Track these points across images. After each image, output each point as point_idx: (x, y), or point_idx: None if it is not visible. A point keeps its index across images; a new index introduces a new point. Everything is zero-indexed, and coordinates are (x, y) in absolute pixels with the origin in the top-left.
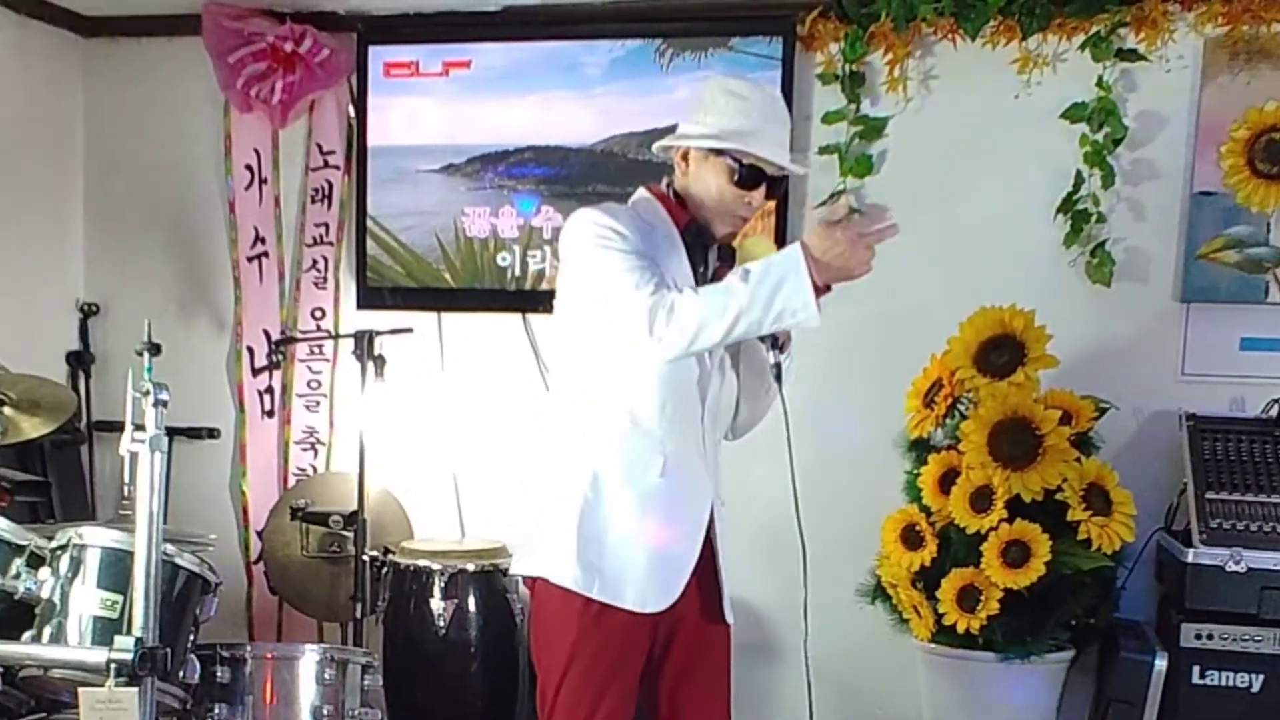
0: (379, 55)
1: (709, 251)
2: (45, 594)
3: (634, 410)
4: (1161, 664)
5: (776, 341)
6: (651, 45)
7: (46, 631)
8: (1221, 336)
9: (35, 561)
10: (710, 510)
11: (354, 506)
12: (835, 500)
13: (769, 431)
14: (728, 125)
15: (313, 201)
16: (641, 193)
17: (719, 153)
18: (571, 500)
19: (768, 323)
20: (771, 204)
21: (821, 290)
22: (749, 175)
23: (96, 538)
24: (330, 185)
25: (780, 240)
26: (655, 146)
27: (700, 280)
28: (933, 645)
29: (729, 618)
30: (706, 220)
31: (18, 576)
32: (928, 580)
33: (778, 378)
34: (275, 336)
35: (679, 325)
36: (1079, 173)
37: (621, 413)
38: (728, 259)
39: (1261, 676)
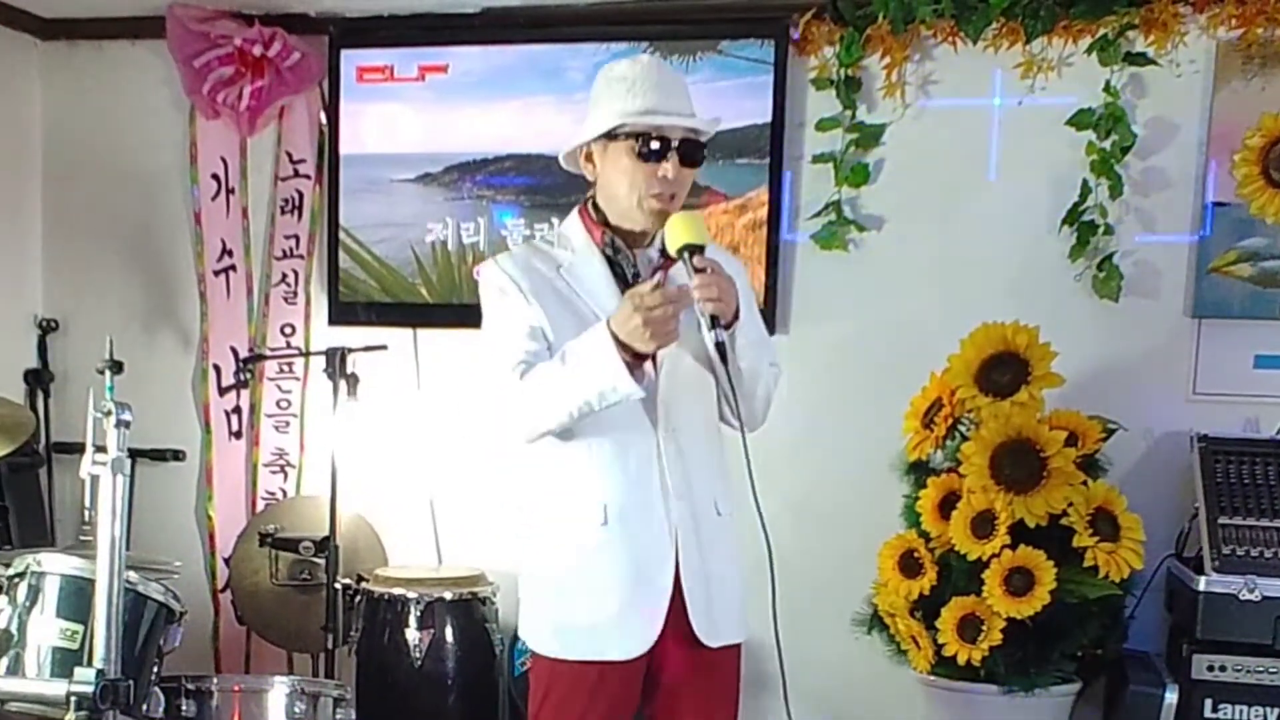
0: (352, 59)
1: (639, 256)
2: (2, 624)
3: (563, 461)
4: (1172, 697)
5: (716, 321)
6: (637, 49)
7: (3, 663)
8: (1235, 354)
9: None
10: (676, 540)
11: (325, 532)
12: (830, 525)
13: (764, 451)
14: (615, 108)
15: (282, 212)
16: (571, 217)
17: (614, 138)
18: (532, 560)
19: (596, 400)
20: (764, 208)
21: (640, 358)
22: (649, 145)
23: (56, 565)
24: (301, 195)
25: (773, 252)
26: (561, 159)
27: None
28: (932, 677)
29: (708, 640)
30: (627, 219)
31: None
32: (927, 609)
33: (723, 358)
34: (243, 354)
35: (517, 419)
36: (1086, 182)
37: (553, 463)
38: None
39: (1277, 710)
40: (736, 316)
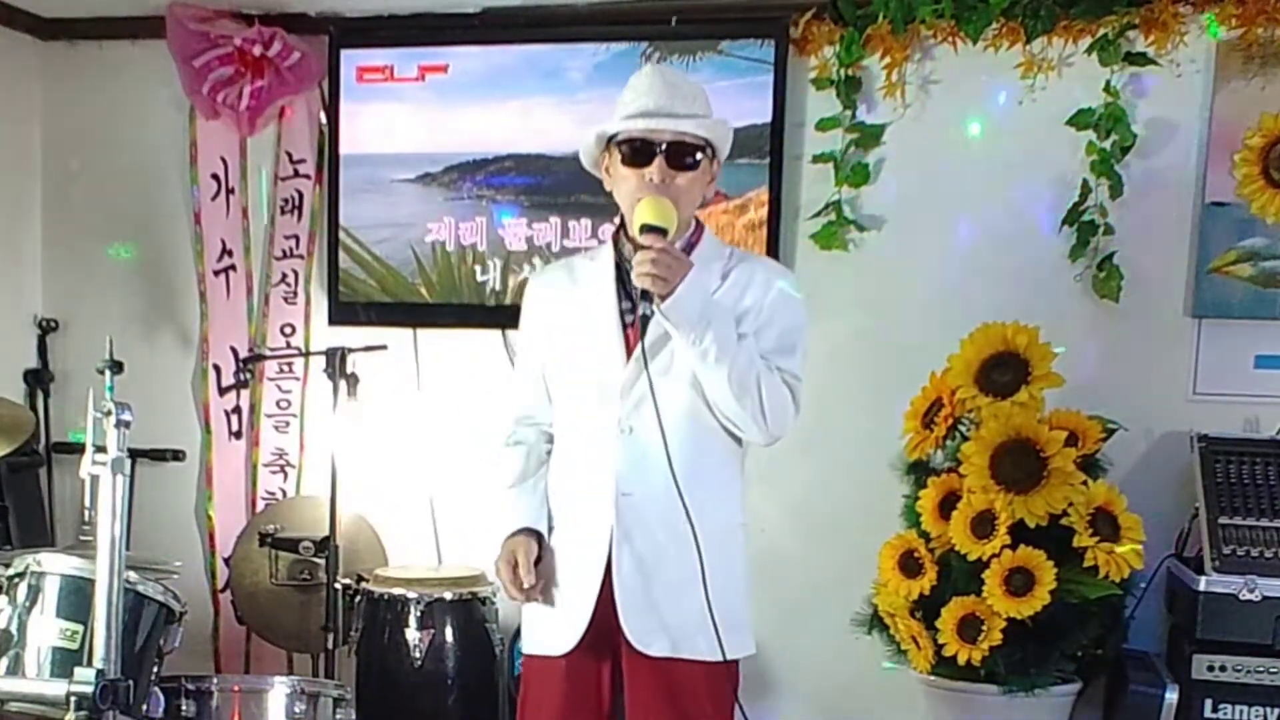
0: (352, 59)
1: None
2: (2, 624)
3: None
4: (1172, 697)
5: (646, 295)
6: (637, 49)
7: (3, 663)
8: (1235, 354)
9: None
10: (609, 546)
11: (325, 532)
12: (830, 525)
13: (763, 451)
14: (616, 116)
15: (282, 212)
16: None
17: (610, 146)
18: None
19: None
20: (764, 208)
21: None
22: (631, 149)
23: (56, 565)
24: (301, 195)
25: (773, 252)
26: (587, 165)
27: (634, 296)
28: (932, 677)
29: (642, 646)
30: (631, 224)
31: None
32: (927, 609)
33: (642, 331)
34: (243, 354)
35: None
36: (1086, 182)
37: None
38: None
39: (1277, 710)
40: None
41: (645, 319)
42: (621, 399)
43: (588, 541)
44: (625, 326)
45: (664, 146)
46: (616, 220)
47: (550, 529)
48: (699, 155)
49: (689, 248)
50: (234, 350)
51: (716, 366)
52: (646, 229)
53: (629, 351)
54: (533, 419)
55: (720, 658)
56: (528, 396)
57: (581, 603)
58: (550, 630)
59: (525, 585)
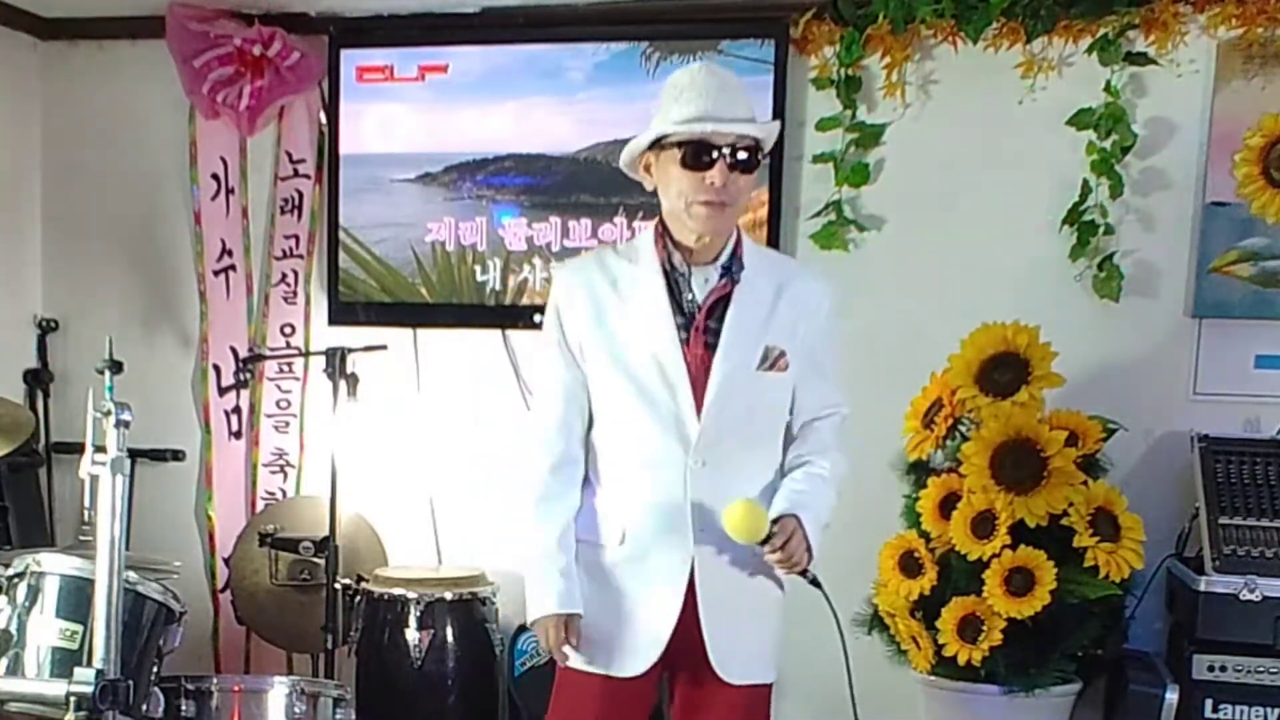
0: (351, 59)
1: (695, 275)
2: (2, 624)
3: (593, 481)
4: (1172, 697)
5: (805, 571)
6: (637, 48)
7: (3, 663)
8: (1235, 354)
9: None
10: (693, 574)
11: (325, 532)
12: (831, 525)
13: None
14: (666, 117)
15: (282, 212)
16: (649, 228)
17: (663, 146)
18: None
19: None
20: (764, 208)
21: None
22: (693, 151)
23: (55, 565)
24: (300, 195)
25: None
26: (623, 165)
27: (686, 309)
28: (932, 677)
29: (728, 677)
30: (679, 228)
31: None
32: (927, 609)
33: (818, 586)
34: (243, 354)
35: (527, 524)
36: (1086, 182)
37: (589, 480)
38: (729, 271)
39: (1277, 711)
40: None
41: (707, 340)
42: (702, 433)
43: (664, 572)
44: (682, 345)
45: (727, 150)
46: (657, 222)
47: (598, 544)
48: (759, 156)
49: (733, 259)
50: (234, 350)
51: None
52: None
53: (688, 370)
54: (569, 463)
55: (773, 678)
56: (563, 433)
57: (658, 629)
58: (622, 652)
59: (569, 658)
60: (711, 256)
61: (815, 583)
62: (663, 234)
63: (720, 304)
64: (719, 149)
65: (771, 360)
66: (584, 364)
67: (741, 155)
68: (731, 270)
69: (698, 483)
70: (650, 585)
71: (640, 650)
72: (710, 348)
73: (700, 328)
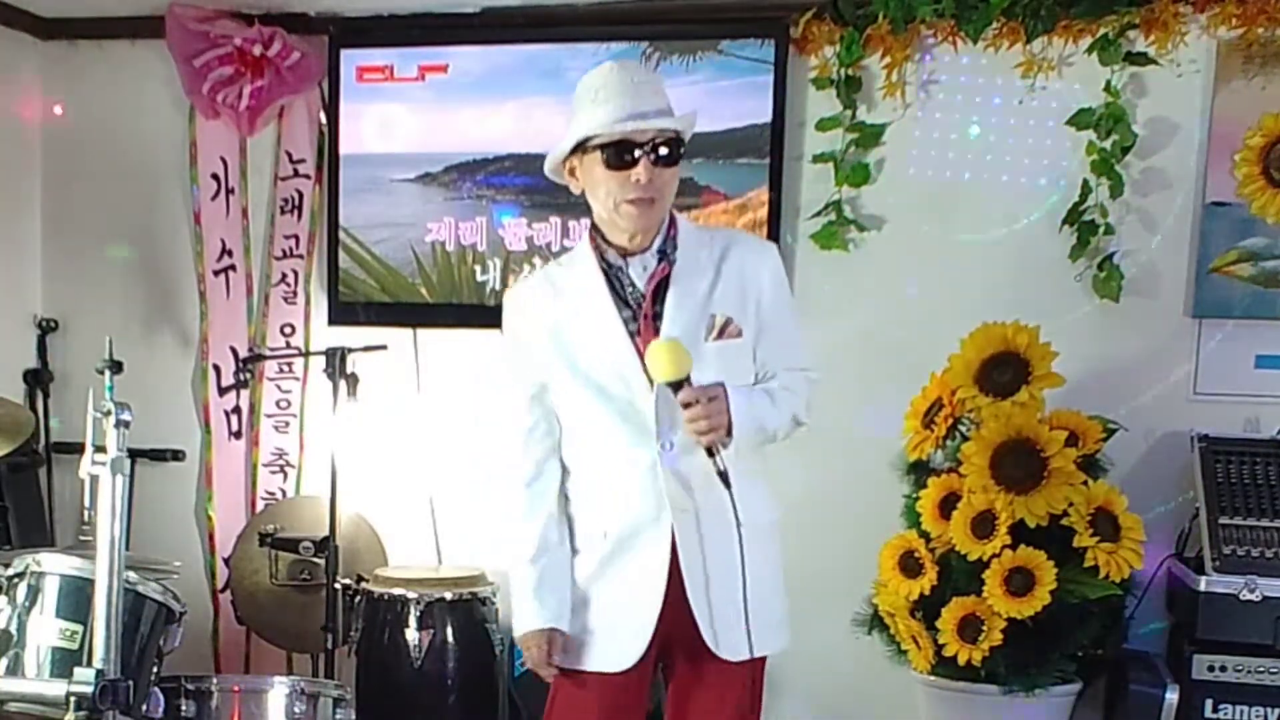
0: (351, 59)
1: (632, 265)
2: (2, 624)
3: (572, 493)
4: (1173, 697)
5: (711, 450)
6: (637, 49)
7: (3, 663)
8: (1235, 354)
9: None
10: (675, 554)
11: (325, 532)
12: (830, 525)
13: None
14: (585, 119)
15: (282, 212)
16: (585, 235)
17: (586, 150)
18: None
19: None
20: (764, 208)
21: None
22: (614, 152)
23: (55, 565)
24: (300, 195)
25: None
26: (548, 172)
27: (631, 300)
28: (932, 677)
29: (721, 652)
30: (610, 228)
31: None
32: (927, 609)
33: (726, 483)
34: (243, 354)
35: (509, 537)
36: (1086, 182)
37: (566, 489)
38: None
39: (1277, 711)
40: (730, 433)
41: (724, 474)
42: (657, 415)
43: (644, 561)
44: (632, 336)
45: (649, 146)
46: (588, 223)
47: (574, 550)
48: (680, 149)
49: (666, 241)
50: (234, 350)
51: (768, 439)
52: (673, 385)
53: (640, 358)
54: (544, 477)
55: (773, 650)
56: (534, 445)
57: (643, 621)
58: (609, 648)
59: (554, 674)
60: (646, 245)
61: (724, 477)
62: (595, 234)
63: (662, 287)
64: (641, 146)
65: (719, 328)
66: (547, 379)
67: (663, 150)
68: (666, 252)
69: (668, 466)
70: (634, 578)
71: (629, 642)
72: (660, 332)
73: (648, 315)
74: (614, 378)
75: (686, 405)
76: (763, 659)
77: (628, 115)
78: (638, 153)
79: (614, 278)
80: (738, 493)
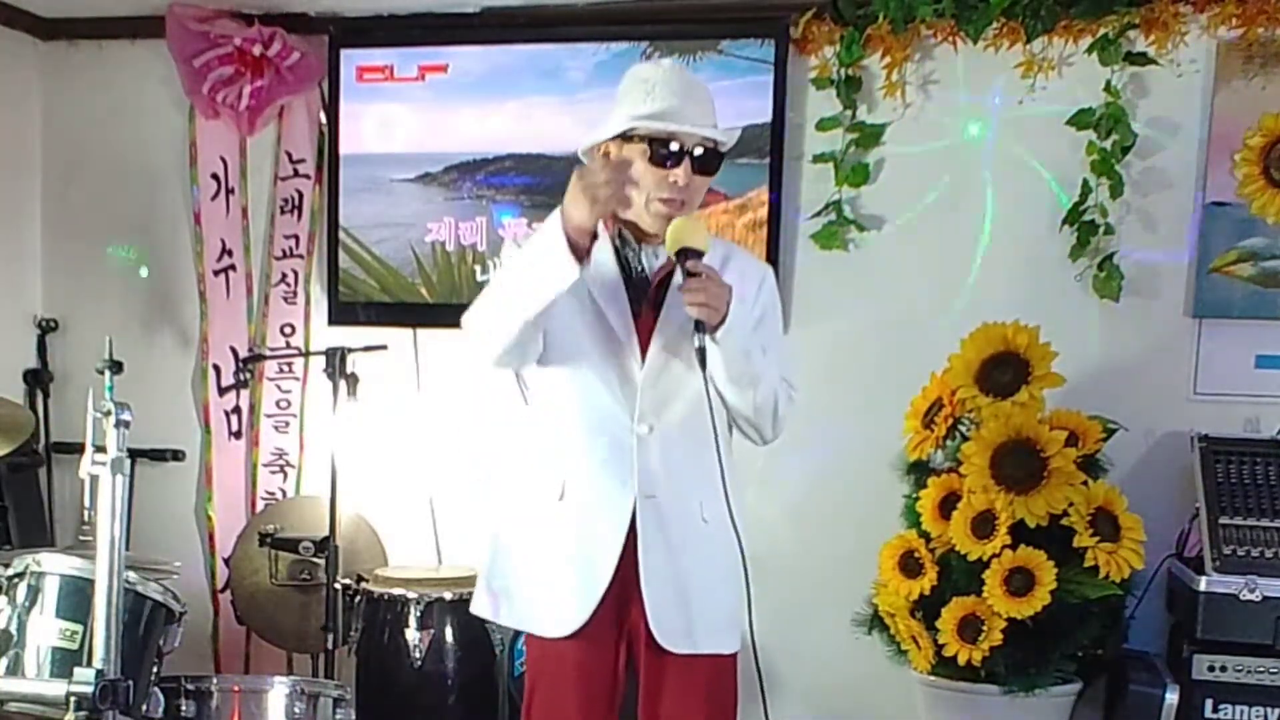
0: (351, 59)
1: (645, 251)
2: (2, 624)
3: (534, 432)
4: (1173, 698)
5: (701, 326)
6: (637, 48)
7: (3, 663)
8: (1236, 354)
9: None
10: (635, 536)
11: (325, 532)
12: (830, 525)
13: (763, 451)
14: (635, 110)
15: (282, 212)
16: None
17: (629, 139)
18: (490, 527)
19: (538, 285)
20: (764, 208)
21: (580, 242)
22: (664, 151)
23: (55, 565)
24: (300, 195)
25: (773, 252)
26: (580, 154)
27: (637, 282)
28: (932, 677)
29: (670, 645)
30: (635, 218)
31: None
32: (927, 609)
33: (702, 363)
34: (243, 354)
35: (474, 330)
36: (1086, 182)
37: (525, 434)
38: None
39: (1277, 711)
40: (724, 323)
41: (701, 351)
42: (641, 396)
43: (601, 530)
44: (635, 316)
45: (693, 150)
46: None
47: (532, 494)
48: (718, 162)
49: None
50: (234, 350)
51: (749, 386)
52: (686, 252)
53: (641, 346)
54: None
55: (732, 649)
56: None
57: (590, 588)
58: (552, 611)
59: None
60: (660, 239)
61: (701, 356)
62: (614, 217)
63: (667, 280)
64: (689, 149)
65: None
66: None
67: (706, 157)
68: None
69: (644, 449)
70: (587, 539)
71: (568, 609)
72: (659, 320)
73: (652, 299)
74: (609, 346)
75: (693, 275)
76: (730, 659)
77: (682, 115)
78: (682, 153)
79: (625, 257)
80: (709, 487)
